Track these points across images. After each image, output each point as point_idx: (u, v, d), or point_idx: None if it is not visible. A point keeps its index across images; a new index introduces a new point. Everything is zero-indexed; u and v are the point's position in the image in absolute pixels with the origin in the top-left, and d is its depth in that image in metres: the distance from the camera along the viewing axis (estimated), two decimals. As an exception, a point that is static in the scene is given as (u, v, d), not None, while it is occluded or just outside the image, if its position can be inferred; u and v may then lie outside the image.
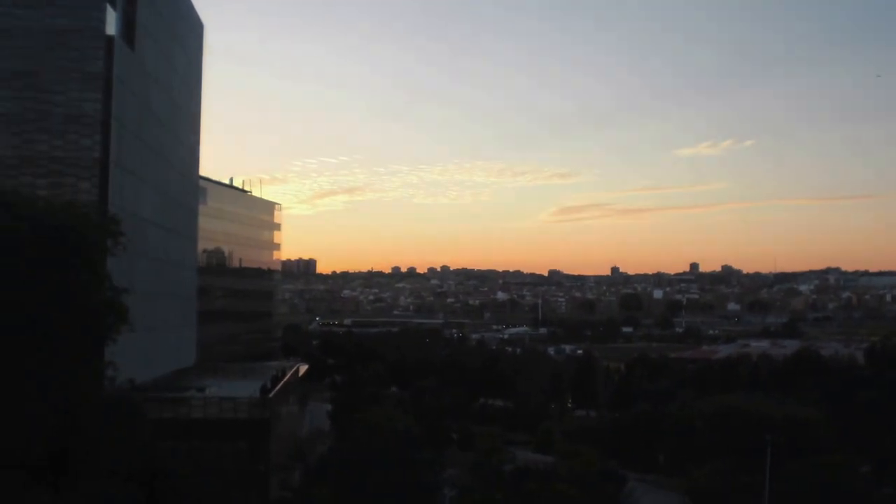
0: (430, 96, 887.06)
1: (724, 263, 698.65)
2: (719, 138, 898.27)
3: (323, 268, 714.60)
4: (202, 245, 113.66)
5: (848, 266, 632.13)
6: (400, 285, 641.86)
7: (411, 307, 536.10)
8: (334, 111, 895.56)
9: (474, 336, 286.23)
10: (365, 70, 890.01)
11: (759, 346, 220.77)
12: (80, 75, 65.67)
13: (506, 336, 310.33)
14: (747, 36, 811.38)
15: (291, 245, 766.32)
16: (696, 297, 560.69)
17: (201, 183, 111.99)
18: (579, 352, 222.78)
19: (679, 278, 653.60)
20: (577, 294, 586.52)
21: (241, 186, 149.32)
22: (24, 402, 33.12)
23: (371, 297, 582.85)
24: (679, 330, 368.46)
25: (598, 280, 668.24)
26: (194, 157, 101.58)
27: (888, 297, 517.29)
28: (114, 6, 68.67)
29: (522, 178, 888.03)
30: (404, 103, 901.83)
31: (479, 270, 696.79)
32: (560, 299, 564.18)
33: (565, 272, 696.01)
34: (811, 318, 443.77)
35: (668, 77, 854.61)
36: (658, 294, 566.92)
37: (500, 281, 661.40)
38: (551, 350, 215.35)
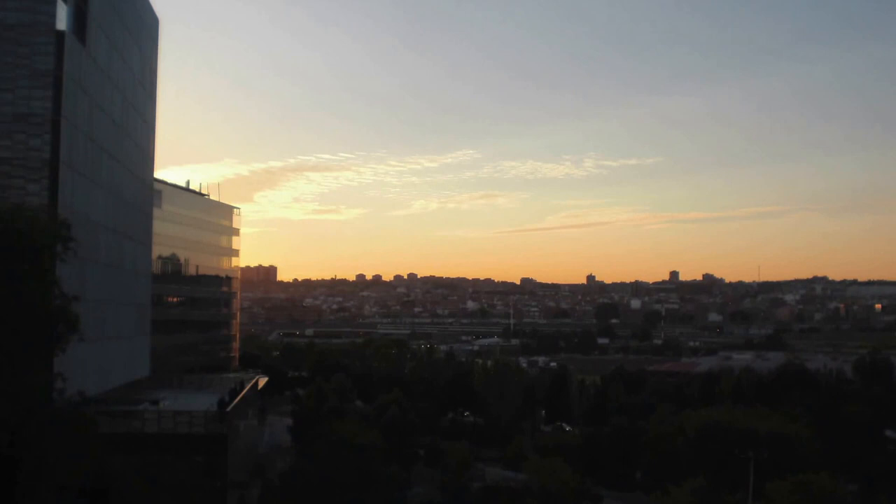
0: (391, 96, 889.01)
1: (705, 272, 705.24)
2: (701, 143, 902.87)
3: (284, 275, 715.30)
4: (157, 250, 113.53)
5: (835, 275, 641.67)
6: (365, 293, 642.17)
7: (377, 316, 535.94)
8: (290, 111, 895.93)
9: (443, 347, 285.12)
10: (335, 69, 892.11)
11: (741, 358, 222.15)
12: (28, 72, 65.61)
13: (476, 347, 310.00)
14: (728, 36, 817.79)
15: (251, 251, 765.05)
16: (676, 306, 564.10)
17: (156, 185, 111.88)
18: (553, 364, 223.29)
19: (658, 287, 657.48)
20: (551, 303, 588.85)
21: (197, 189, 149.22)
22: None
23: (334, 306, 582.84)
24: (658, 341, 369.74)
25: (573, 289, 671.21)
26: (149, 159, 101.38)
27: (877, 308, 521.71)
28: (65, 0, 68.58)
29: (495, 183, 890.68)
30: (363, 103, 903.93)
31: (448, 278, 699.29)
32: (533, 309, 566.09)
33: (538, 280, 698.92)
34: (797, 329, 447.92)
35: (653, 78, 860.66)
36: (636, 303, 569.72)
37: (471, 290, 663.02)
38: (524, 362, 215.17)
